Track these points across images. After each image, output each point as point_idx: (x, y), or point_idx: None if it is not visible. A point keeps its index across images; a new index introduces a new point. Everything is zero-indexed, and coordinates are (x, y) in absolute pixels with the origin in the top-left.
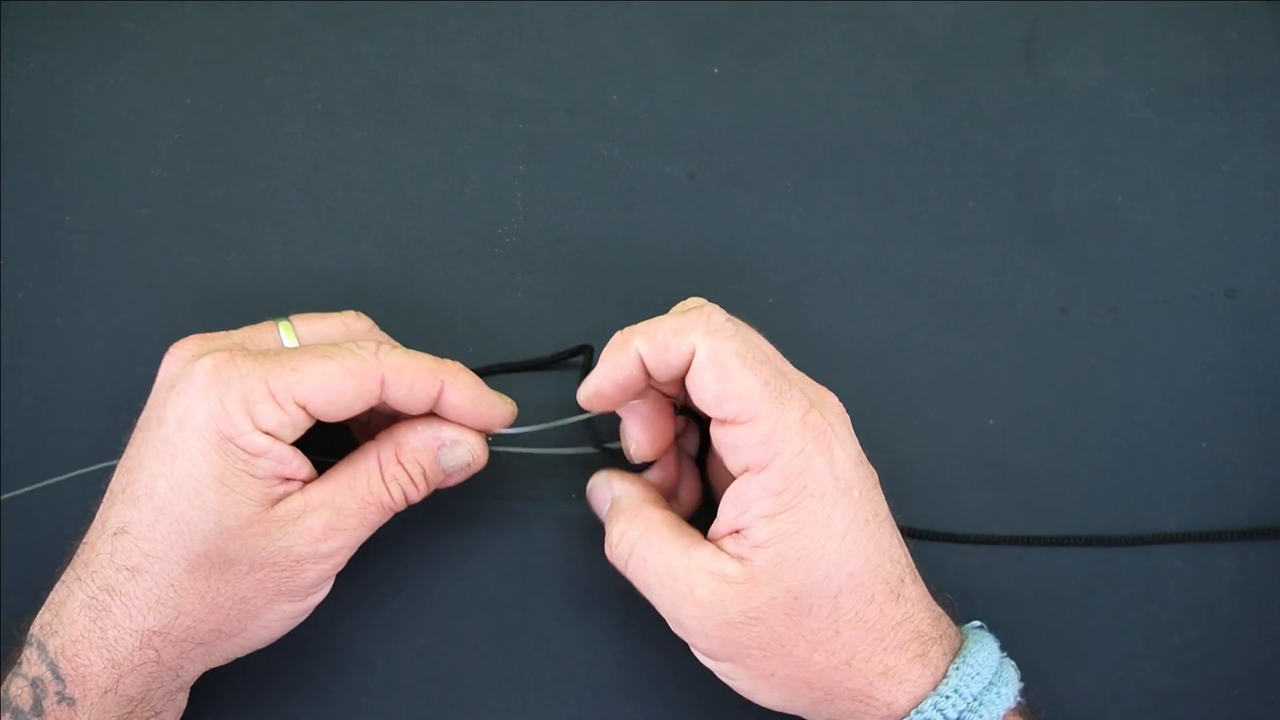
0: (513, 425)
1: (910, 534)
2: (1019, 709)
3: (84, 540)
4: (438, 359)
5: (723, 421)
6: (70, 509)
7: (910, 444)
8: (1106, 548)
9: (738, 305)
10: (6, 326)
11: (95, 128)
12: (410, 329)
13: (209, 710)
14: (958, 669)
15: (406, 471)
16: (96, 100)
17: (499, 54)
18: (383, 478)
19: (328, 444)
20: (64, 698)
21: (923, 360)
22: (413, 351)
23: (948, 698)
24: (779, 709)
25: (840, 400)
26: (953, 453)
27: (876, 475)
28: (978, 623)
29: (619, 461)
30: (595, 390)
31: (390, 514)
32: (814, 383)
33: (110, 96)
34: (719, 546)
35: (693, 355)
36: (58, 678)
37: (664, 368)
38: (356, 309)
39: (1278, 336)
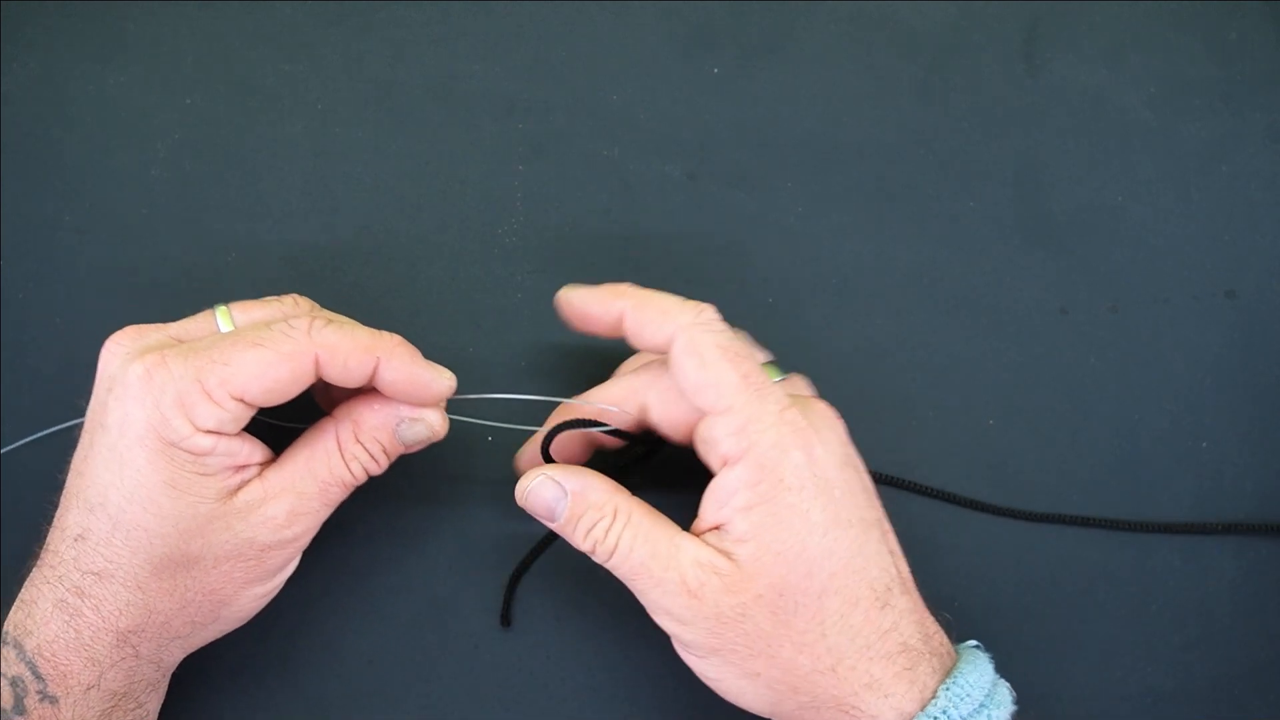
0: (472, 393)
1: (883, 480)
2: None
3: (47, 538)
4: (374, 332)
5: (701, 414)
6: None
7: (910, 444)
8: (1106, 531)
9: (738, 305)
10: (6, 326)
11: (95, 128)
12: (410, 329)
13: (206, 712)
14: (947, 689)
15: (367, 450)
16: (96, 100)
17: (499, 54)
18: (343, 458)
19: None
20: (46, 696)
21: (923, 360)
22: (348, 325)
23: (935, 719)
24: (766, 714)
25: (839, 401)
26: (953, 453)
27: (870, 483)
28: (974, 642)
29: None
30: (569, 298)
31: (351, 490)
32: (806, 396)
33: (110, 96)
34: (704, 540)
35: (670, 342)
36: (38, 677)
37: (640, 338)
38: (356, 309)
39: (1278, 336)
